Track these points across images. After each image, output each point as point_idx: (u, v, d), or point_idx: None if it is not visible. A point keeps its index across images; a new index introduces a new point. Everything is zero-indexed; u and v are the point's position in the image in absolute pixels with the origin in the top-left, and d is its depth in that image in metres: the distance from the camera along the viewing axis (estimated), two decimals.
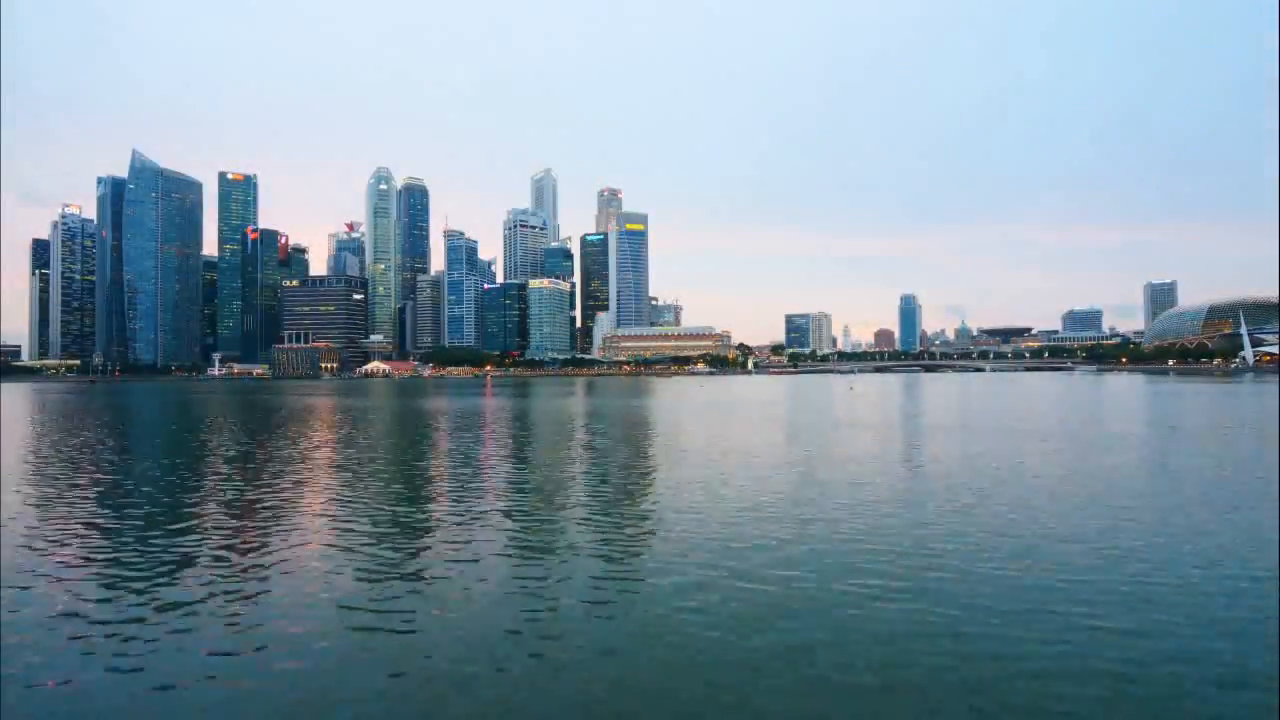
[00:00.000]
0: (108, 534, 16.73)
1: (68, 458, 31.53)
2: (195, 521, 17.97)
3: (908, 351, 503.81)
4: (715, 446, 34.02)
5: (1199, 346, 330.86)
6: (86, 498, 21.50)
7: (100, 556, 14.74)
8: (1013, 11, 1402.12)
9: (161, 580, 13.09)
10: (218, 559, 14.51)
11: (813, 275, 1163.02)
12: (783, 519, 17.51)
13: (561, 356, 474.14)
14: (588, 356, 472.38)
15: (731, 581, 12.59)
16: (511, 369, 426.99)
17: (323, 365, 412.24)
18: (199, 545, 15.62)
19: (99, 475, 26.02)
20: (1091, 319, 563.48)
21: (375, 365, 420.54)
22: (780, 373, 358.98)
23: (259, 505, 19.99)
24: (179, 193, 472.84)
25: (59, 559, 14.55)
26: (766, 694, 8.39)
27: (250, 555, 14.72)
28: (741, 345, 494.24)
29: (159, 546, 15.50)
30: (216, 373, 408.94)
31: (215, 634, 10.43)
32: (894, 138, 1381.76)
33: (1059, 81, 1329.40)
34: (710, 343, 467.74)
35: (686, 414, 59.96)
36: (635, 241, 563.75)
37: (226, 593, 12.32)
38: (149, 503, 20.57)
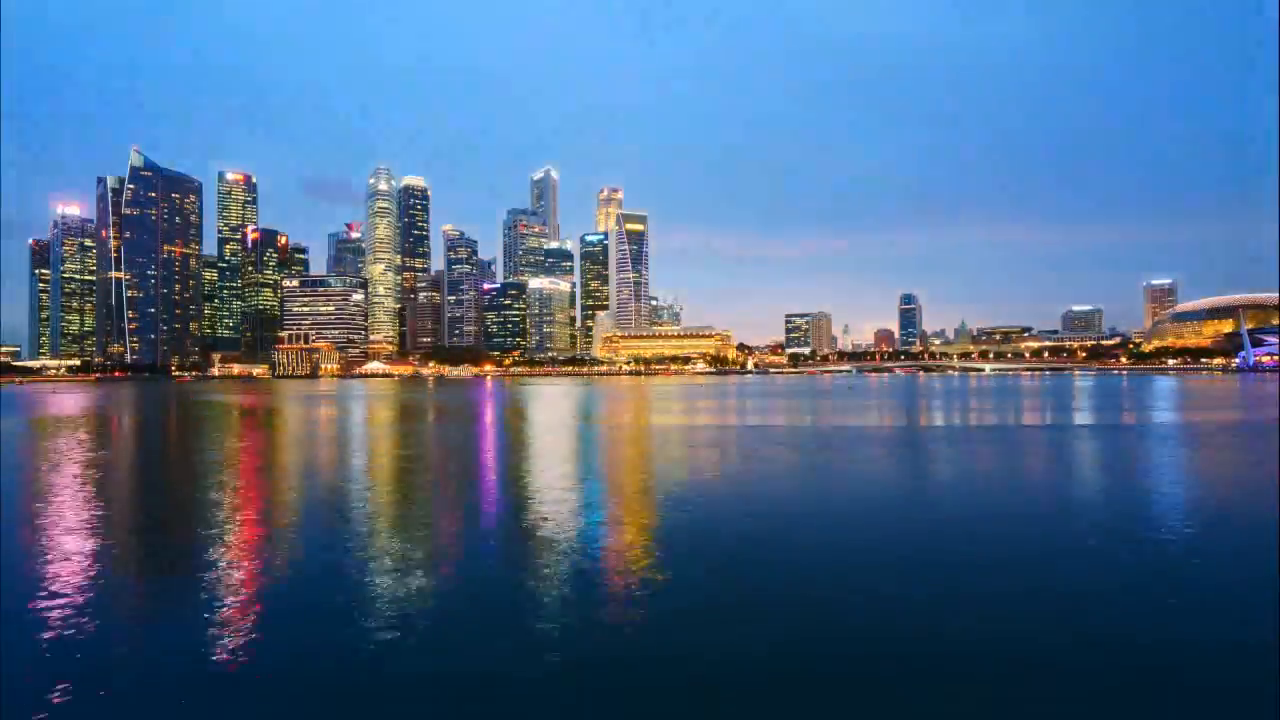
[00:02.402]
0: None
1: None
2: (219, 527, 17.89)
3: (907, 351, 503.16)
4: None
5: (1199, 346, 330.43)
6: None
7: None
8: (1013, 7, 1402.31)
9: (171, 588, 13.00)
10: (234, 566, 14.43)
11: (813, 275, 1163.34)
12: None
13: (561, 356, 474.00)
14: (588, 356, 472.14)
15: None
16: (511, 369, 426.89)
17: (323, 365, 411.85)
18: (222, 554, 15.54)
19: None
20: (1091, 319, 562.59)
21: (375, 365, 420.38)
22: (780, 373, 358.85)
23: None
24: (179, 193, 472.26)
25: (63, 564, 14.46)
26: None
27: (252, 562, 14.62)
28: (741, 345, 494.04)
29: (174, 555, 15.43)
30: (216, 373, 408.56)
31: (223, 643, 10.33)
32: (894, 136, 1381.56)
33: (1060, 80, 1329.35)
34: (710, 343, 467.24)
35: None
36: (635, 241, 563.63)
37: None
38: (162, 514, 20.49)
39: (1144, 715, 7.78)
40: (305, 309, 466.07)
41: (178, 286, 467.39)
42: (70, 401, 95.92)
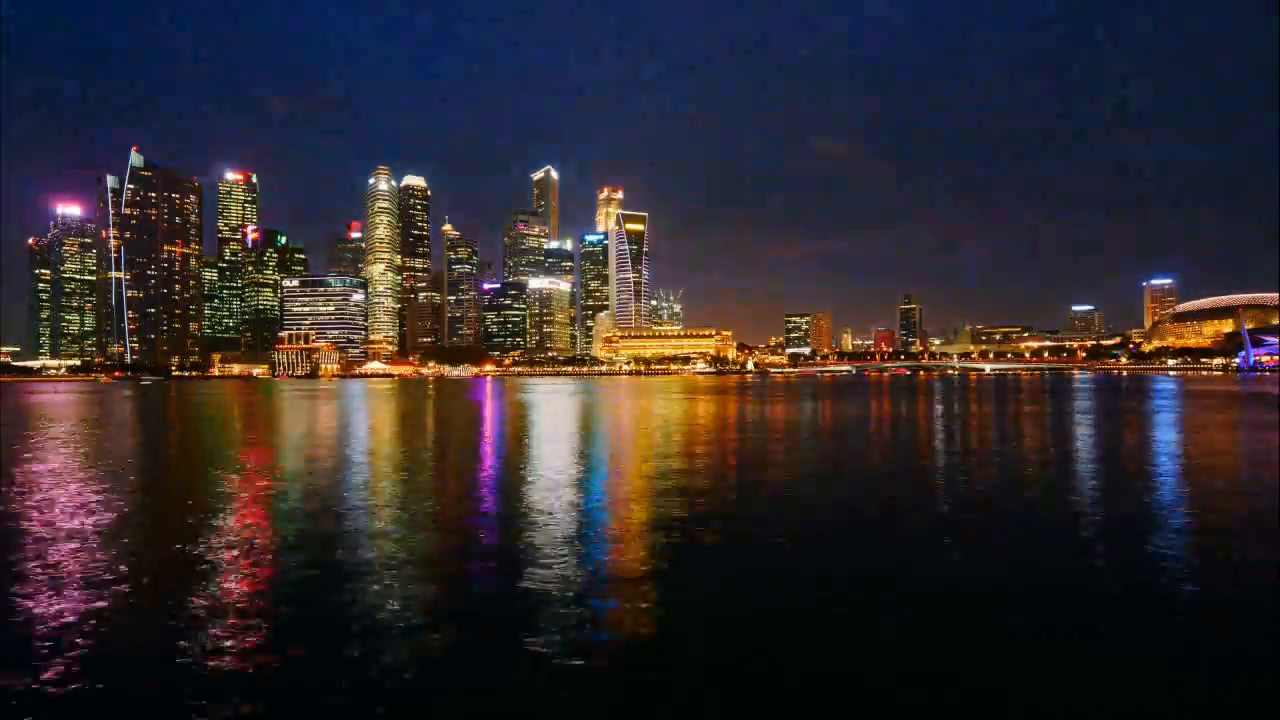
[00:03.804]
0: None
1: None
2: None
3: (907, 351, 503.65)
4: None
5: (1199, 346, 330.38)
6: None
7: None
8: (1017, 7, 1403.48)
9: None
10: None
11: (813, 275, 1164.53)
12: None
13: (561, 356, 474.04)
14: (588, 356, 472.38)
15: None
16: (511, 369, 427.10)
17: (323, 365, 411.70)
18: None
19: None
20: (1091, 319, 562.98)
21: (375, 365, 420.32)
22: (779, 372, 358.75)
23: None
24: (179, 193, 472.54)
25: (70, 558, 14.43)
26: None
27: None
28: (741, 345, 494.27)
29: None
30: (216, 373, 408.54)
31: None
32: (894, 136, 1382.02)
33: (1062, 79, 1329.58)
34: (710, 343, 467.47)
35: None
36: (635, 241, 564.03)
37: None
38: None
39: None
40: (305, 309, 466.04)
41: (178, 286, 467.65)
42: (70, 400, 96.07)
